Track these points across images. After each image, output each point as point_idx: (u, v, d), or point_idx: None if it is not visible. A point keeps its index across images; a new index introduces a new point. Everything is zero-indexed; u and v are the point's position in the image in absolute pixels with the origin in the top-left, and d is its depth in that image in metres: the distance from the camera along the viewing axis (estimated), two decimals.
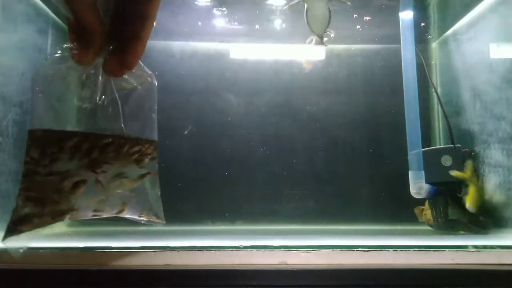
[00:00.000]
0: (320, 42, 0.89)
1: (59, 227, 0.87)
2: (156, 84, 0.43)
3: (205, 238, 0.67)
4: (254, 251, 0.48)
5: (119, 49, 0.36)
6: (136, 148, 0.42)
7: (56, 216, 0.38)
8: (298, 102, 0.97)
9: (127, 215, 0.43)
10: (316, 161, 0.95)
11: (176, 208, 0.87)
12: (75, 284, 0.44)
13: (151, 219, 0.44)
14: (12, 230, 0.37)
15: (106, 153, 0.40)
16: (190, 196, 0.91)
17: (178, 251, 0.47)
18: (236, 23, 0.95)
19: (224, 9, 0.91)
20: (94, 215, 0.41)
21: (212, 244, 0.50)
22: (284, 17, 0.95)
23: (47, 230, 0.81)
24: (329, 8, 0.84)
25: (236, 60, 0.97)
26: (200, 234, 0.80)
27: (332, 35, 0.91)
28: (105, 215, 0.41)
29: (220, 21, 0.95)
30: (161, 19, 0.87)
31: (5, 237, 0.37)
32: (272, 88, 0.97)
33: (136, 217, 0.43)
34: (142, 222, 0.44)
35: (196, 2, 0.91)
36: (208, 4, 0.90)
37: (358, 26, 0.95)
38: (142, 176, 0.43)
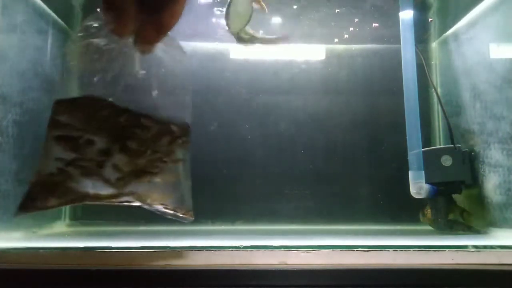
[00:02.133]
0: (237, 40, 0.79)
1: (59, 227, 0.87)
2: (190, 64, 0.41)
3: (205, 238, 0.67)
4: (254, 251, 0.48)
5: (155, 11, 0.34)
6: (169, 130, 0.39)
7: (72, 199, 0.37)
8: (298, 102, 0.97)
9: (154, 205, 0.40)
10: (316, 161, 0.95)
11: None
12: (75, 284, 0.44)
13: (180, 213, 0.41)
14: (22, 208, 0.36)
15: (139, 131, 0.37)
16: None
17: (178, 251, 0.47)
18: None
19: (224, 9, 0.91)
20: (111, 202, 0.38)
21: (212, 244, 0.50)
22: (283, 16, 0.95)
23: (47, 230, 0.81)
24: (252, 6, 0.76)
25: (236, 60, 0.98)
26: (200, 234, 0.80)
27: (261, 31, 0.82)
28: (129, 204, 0.39)
29: (220, 20, 0.95)
30: None
31: (16, 215, 0.37)
32: (272, 88, 0.97)
33: (161, 208, 0.40)
34: (168, 216, 0.42)
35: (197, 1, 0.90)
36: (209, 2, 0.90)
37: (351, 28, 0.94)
38: (176, 161, 0.40)
